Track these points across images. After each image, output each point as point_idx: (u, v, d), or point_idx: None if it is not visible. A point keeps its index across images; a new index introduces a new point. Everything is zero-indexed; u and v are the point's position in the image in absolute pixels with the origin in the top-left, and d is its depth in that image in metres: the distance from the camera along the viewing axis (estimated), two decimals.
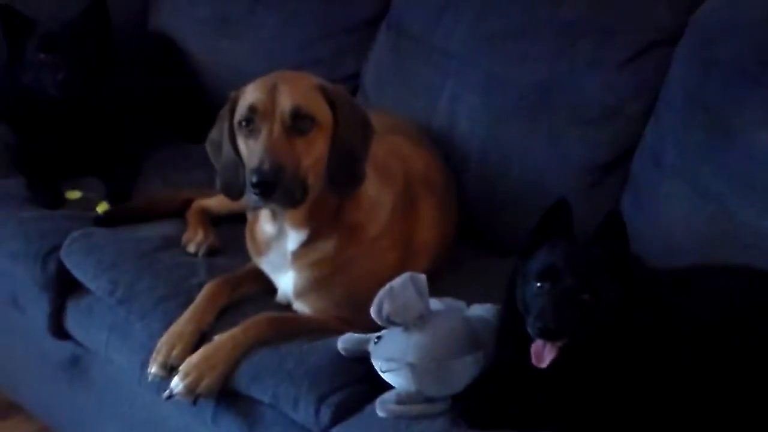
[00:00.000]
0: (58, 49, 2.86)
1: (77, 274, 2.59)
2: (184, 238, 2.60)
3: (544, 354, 1.87)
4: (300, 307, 2.35)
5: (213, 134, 2.32)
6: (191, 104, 3.22)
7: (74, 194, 2.83)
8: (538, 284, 1.90)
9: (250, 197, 2.13)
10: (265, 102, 2.15)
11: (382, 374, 2.05)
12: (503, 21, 2.69)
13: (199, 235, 2.58)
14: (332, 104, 2.19)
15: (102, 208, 2.77)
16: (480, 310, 2.18)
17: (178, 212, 2.73)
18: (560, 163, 2.56)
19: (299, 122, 2.14)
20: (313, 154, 2.16)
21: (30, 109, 2.95)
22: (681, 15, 2.50)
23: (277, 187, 2.08)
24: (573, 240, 1.95)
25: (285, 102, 2.14)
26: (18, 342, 2.89)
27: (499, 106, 2.65)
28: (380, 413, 2.03)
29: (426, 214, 2.46)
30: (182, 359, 2.23)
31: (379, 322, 2.03)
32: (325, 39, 3.06)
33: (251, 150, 2.15)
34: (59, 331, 2.69)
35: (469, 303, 2.24)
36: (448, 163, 2.67)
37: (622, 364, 1.91)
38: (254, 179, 2.07)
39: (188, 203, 2.72)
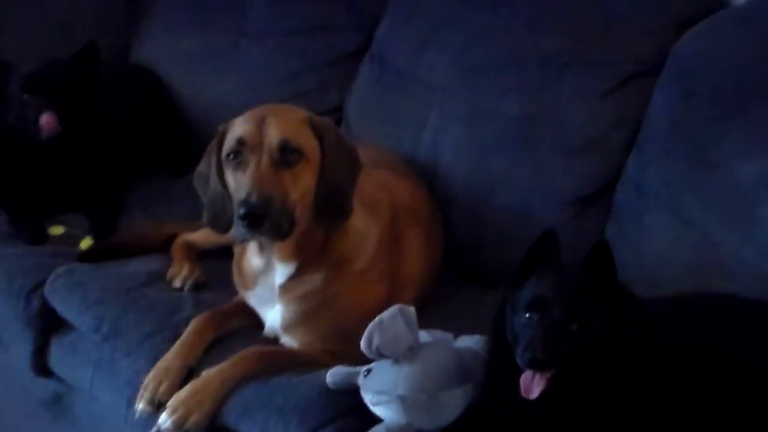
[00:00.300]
0: (42, 89, 2.88)
1: (62, 311, 2.61)
2: (170, 272, 2.62)
3: (533, 385, 1.88)
4: (287, 340, 2.36)
5: (200, 167, 2.34)
6: (174, 137, 3.24)
7: (57, 230, 2.85)
8: (527, 315, 1.92)
9: (238, 230, 2.14)
10: (253, 134, 2.17)
11: (372, 407, 2.07)
12: (486, 53, 2.72)
13: (185, 270, 2.60)
14: (320, 137, 2.21)
15: (86, 243, 2.79)
16: (468, 341, 2.20)
17: (163, 247, 2.74)
18: (545, 194, 2.59)
19: (287, 155, 2.16)
20: (300, 187, 2.18)
21: (13, 148, 2.96)
22: (662, 46, 2.54)
23: (266, 219, 2.09)
24: (561, 270, 1.97)
25: (273, 135, 2.16)
26: (1, 380, 2.87)
27: (483, 137, 2.68)
28: None
29: (412, 246, 2.49)
30: (170, 395, 2.24)
31: (368, 355, 2.05)
32: (309, 72, 3.08)
33: (239, 182, 2.17)
34: (42, 369, 2.69)
35: (456, 335, 2.24)
36: (433, 194, 2.69)
37: (610, 392, 1.93)
38: (242, 211, 2.08)
39: (173, 238, 2.74)
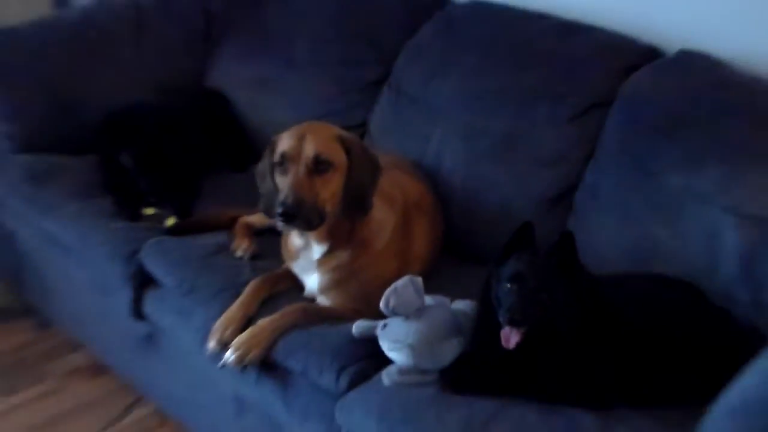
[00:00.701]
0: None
1: (153, 271, 2.70)
2: (233, 245, 2.70)
3: (511, 337, 2.01)
4: (323, 300, 2.46)
5: (259, 167, 2.44)
6: (238, 144, 3.30)
7: (150, 211, 2.93)
8: (508, 285, 2.04)
9: (277, 222, 2.27)
10: (294, 148, 2.28)
11: (387, 352, 2.18)
12: (480, 84, 2.81)
13: (245, 243, 2.69)
14: (348, 150, 2.32)
15: (171, 221, 2.87)
16: (461, 305, 2.30)
17: (228, 226, 2.83)
18: (522, 195, 2.68)
19: (319, 165, 2.27)
20: (329, 190, 2.29)
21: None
22: (614, 84, 2.63)
23: (297, 217, 2.22)
24: (535, 252, 2.09)
25: (309, 149, 2.27)
26: (107, 320, 2.97)
27: (475, 150, 2.76)
28: (385, 382, 2.16)
29: (419, 232, 2.59)
30: (233, 337, 2.34)
31: (386, 313, 2.17)
32: (341, 96, 3.16)
33: (281, 185, 2.29)
34: (138, 314, 2.78)
35: (452, 299, 2.34)
36: (436, 192, 2.77)
37: (569, 344, 2.06)
38: (279, 210, 2.21)
39: (235, 219, 2.82)
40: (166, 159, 2.99)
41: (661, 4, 2.76)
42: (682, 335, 2.15)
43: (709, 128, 2.40)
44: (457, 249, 2.77)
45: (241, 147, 3.26)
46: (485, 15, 2.99)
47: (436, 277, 2.55)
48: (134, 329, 2.85)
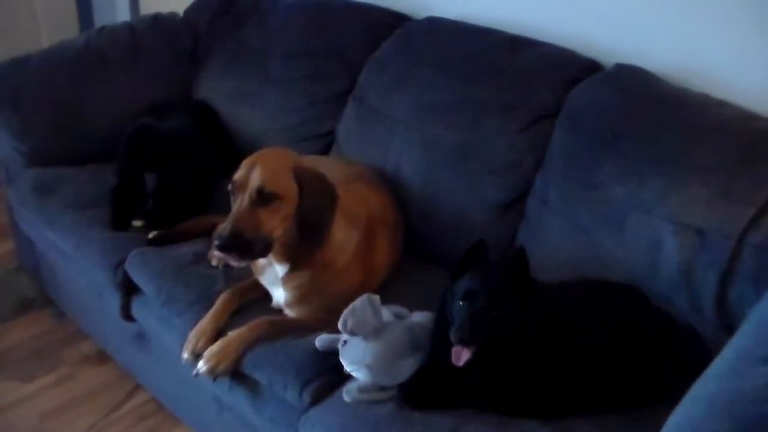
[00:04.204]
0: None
1: (136, 280, 2.32)
2: (210, 253, 2.31)
3: (461, 356, 1.67)
4: (289, 312, 2.08)
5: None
6: (226, 150, 2.85)
7: (138, 224, 2.51)
8: (460, 302, 1.69)
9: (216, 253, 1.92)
10: (242, 178, 1.89)
11: (347, 369, 1.81)
12: (435, 97, 2.40)
13: None
14: (300, 182, 1.91)
15: (153, 233, 2.46)
16: (419, 317, 1.92)
17: (209, 232, 2.37)
18: (476, 200, 2.28)
19: (263, 197, 1.87)
20: (274, 220, 1.89)
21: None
22: (560, 96, 2.23)
23: (233, 249, 1.84)
24: (488, 269, 1.73)
25: (254, 180, 1.87)
26: (106, 317, 2.60)
27: (432, 158, 2.36)
28: (346, 399, 1.79)
29: (381, 244, 2.18)
30: (205, 349, 1.99)
31: (344, 333, 1.79)
32: (311, 106, 2.73)
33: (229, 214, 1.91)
34: (128, 316, 2.43)
35: (412, 302, 2.00)
36: (396, 198, 2.38)
37: (518, 358, 1.71)
38: (216, 241, 1.84)
39: (215, 225, 2.39)
40: (182, 186, 2.58)
41: (597, 19, 2.35)
42: (628, 340, 1.81)
43: (648, 141, 2.01)
44: (415, 249, 2.38)
45: (229, 152, 2.80)
46: (439, 31, 2.57)
47: (396, 280, 2.22)
48: (127, 328, 2.49)
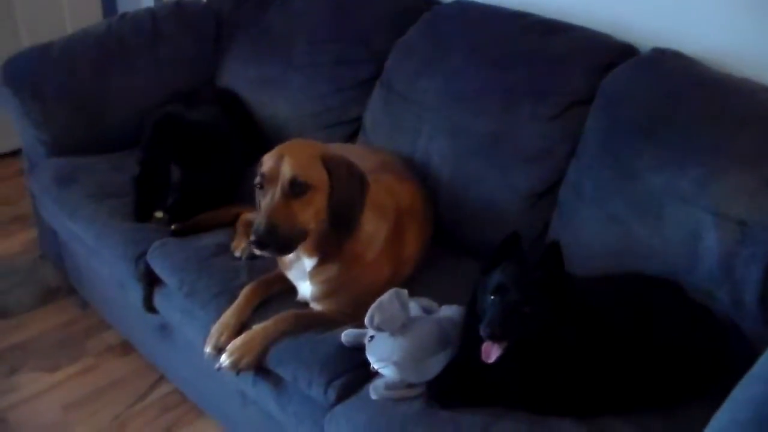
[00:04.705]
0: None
1: (158, 272, 2.29)
2: (233, 245, 2.28)
3: (492, 352, 1.61)
4: (315, 306, 2.03)
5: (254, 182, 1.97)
6: (252, 139, 2.79)
7: (160, 214, 2.47)
8: (492, 297, 1.63)
9: (253, 249, 1.85)
10: (272, 170, 1.84)
11: (374, 366, 1.76)
12: (465, 84, 2.33)
13: (243, 243, 2.25)
14: (329, 170, 1.86)
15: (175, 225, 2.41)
16: (449, 311, 1.87)
17: (232, 222, 2.40)
18: (507, 190, 2.22)
19: (296, 188, 1.82)
20: (308, 212, 1.84)
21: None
22: (594, 81, 2.15)
23: (269, 245, 1.79)
24: (522, 263, 1.67)
25: (286, 171, 1.82)
26: (130, 310, 2.56)
27: (462, 147, 2.30)
28: (373, 396, 1.74)
29: (411, 236, 2.12)
30: (228, 343, 1.95)
31: (371, 329, 1.74)
32: (336, 93, 2.67)
33: (260, 208, 1.86)
34: (151, 308, 2.40)
35: (440, 300, 1.94)
36: (425, 185, 2.32)
37: (551, 356, 1.65)
38: (252, 237, 1.79)
39: (239, 216, 2.39)
40: (207, 179, 2.53)
41: (633, 1, 2.27)
42: (666, 335, 1.75)
43: (689, 129, 1.94)
44: (444, 240, 2.32)
45: (255, 142, 2.75)
46: (468, 14, 2.50)
47: (425, 271, 2.17)
48: (150, 319, 2.46)
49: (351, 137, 2.65)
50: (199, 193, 2.49)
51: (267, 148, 1.96)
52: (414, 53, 2.50)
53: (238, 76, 2.94)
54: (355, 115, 2.65)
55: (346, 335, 1.86)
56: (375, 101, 2.58)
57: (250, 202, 2.19)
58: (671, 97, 1.99)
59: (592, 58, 2.19)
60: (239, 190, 2.54)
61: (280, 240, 1.79)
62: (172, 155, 2.54)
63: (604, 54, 2.19)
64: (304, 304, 2.05)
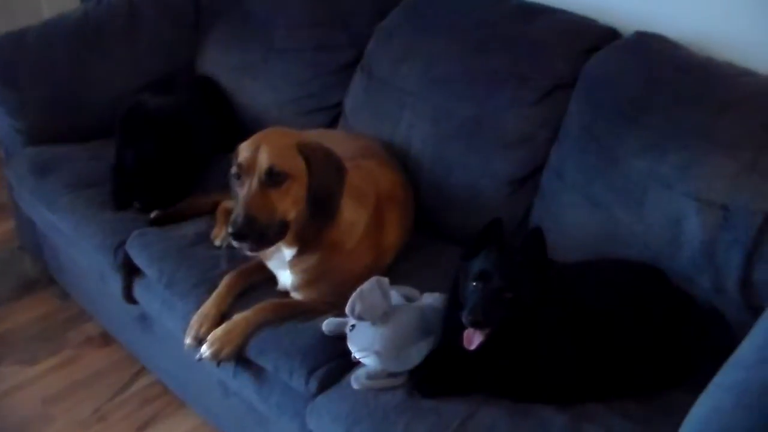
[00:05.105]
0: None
1: (137, 262, 2.27)
2: (213, 233, 2.26)
3: (473, 339, 1.61)
4: (295, 295, 2.02)
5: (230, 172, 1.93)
6: (229, 126, 2.78)
7: (137, 204, 2.44)
8: (474, 283, 1.62)
9: (231, 241, 1.83)
10: (249, 160, 1.81)
11: (355, 356, 1.75)
12: (446, 68, 2.31)
13: (223, 231, 2.22)
14: (307, 158, 1.84)
15: (154, 213, 2.40)
16: (430, 299, 1.86)
17: (211, 211, 2.37)
18: (489, 175, 2.21)
19: (273, 177, 1.80)
20: (287, 201, 1.82)
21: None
22: (576, 65, 2.14)
23: (248, 237, 1.76)
24: (503, 249, 1.66)
25: (263, 161, 1.79)
26: (110, 301, 2.54)
27: (443, 132, 2.28)
28: (354, 386, 1.73)
29: (391, 223, 2.11)
30: (208, 333, 1.93)
31: (352, 318, 1.73)
32: (316, 78, 2.66)
33: (237, 199, 1.83)
34: (130, 299, 2.38)
35: (422, 287, 1.93)
36: (406, 171, 2.31)
37: (533, 341, 1.65)
38: (230, 229, 1.76)
39: (218, 204, 2.36)
40: (167, 163, 2.49)
41: None
42: (647, 321, 1.76)
43: (671, 112, 1.93)
44: (426, 226, 2.31)
45: (232, 128, 2.74)
46: None
47: (407, 258, 2.16)
48: (130, 309, 2.45)
49: (332, 123, 2.63)
50: (164, 180, 2.46)
51: (244, 135, 1.94)
52: (395, 38, 2.48)
53: (218, 62, 2.91)
54: (335, 100, 2.63)
55: (327, 324, 1.85)
56: (355, 86, 2.56)
57: (225, 190, 2.18)
58: (653, 80, 1.99)
59: (574, 41, 2.18)
60: (207, 177, 2.53)
61: (258, 231, 1.77)
62: (133, 144, 2.51)
63: (586, 38, 2.18)
64: (285, 294, 2.04)
